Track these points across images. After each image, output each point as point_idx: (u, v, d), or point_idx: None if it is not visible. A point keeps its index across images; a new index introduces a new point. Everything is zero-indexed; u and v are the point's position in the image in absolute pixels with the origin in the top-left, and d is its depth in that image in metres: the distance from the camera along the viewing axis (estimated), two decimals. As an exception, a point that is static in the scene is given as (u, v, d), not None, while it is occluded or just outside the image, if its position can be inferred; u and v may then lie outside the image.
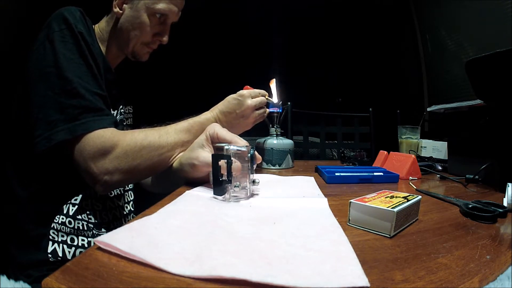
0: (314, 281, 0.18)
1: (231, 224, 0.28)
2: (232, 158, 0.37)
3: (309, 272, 0.19)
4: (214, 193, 0.38)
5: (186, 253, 0.21)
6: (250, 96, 0.59)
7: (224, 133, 0.44)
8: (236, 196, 0.38)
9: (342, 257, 0.21)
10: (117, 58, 0.67)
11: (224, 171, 0.36)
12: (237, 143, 0.43)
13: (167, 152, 0.51)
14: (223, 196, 0.37)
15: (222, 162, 0.36)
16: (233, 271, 0.18)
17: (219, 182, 0.37)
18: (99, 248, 0.22)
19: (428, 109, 0.82)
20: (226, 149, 0.38)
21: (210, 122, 0.55)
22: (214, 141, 0.45)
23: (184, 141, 0.53)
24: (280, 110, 0.70)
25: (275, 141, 0.70)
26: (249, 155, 0.39)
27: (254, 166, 0.43)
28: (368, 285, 0.18)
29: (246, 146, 0.41)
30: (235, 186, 0.37)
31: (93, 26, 0.61)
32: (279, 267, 0.19)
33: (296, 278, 0.18)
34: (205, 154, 0.44)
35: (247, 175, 0.39)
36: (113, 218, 0.63)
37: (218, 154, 0.37)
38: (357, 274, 0.19)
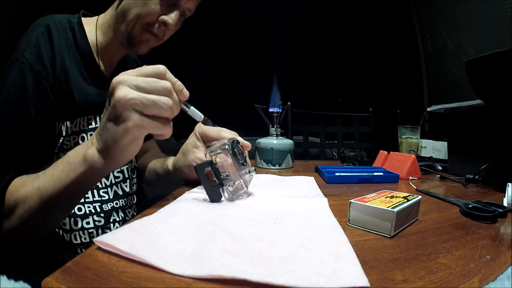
0: (314, 281, 0.18)
1: (231, 224, 0.28)
2: (217, 159, 0.36)
3: (309, 272, 0.19)
4: (211, 201, 0.36)
5: (186, 253, 0.21)
6: (125, 83, 0.31)
7: (209, 129, 0.44)
8: (235, 192, 0.38)
9: (342, 257, 0.21)
10: (118, 52, 0.62)
11: (212, 177, 0.35)
12: (223, 137, 0.42)
13: (55, 204, 0.40)
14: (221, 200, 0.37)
15: (209, 169, 0.35)
16: (233, 271, 0.18)
17: (212, 190, 0.36)
18: (99, 248, 0.22)
19: (428, 109, 0.81)
20: (205, 155, 0.37)
21: (79, 153, 0.37)
22: (204, 139, 0.45)
23: (67, 185, 0.37)
24: (280, 110, 0.70)
25: (275, 141, 0.70)
26: (230, 151, 0.37)
27: (246, 154, 0.42)
28: (368, 285, 0.18)
29: (227, 142, 0.38)
30: (229, 186, 0.37)
31: (97, 17, 0.58)
32: (279, 267, 0.19)
33: (296, 278, 0.18)
34: (201, 155, 0.44)
35: (237, 169, 0.37)
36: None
37: (200, 164, 0.36)
38: (357, 274, 0.19)
